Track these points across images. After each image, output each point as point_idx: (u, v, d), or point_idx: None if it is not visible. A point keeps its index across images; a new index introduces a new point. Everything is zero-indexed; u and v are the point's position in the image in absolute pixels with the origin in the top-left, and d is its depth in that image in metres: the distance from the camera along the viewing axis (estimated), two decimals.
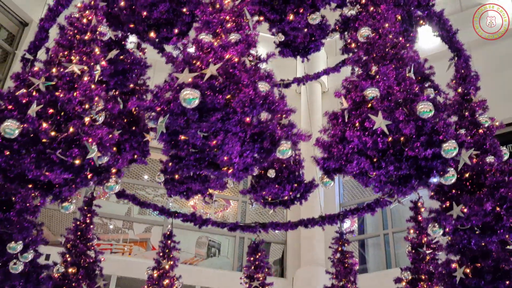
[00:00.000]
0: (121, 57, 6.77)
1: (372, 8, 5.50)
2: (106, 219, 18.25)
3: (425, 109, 4.33)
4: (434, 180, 4.56)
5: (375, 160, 4.47)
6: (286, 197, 8.16)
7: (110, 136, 4.57)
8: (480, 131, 5.82)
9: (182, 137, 4.30)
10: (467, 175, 5.42)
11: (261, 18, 6.53)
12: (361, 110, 4.57)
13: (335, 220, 9.46)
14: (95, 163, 4.47)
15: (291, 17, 6.42)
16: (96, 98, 4.79)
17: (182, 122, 4.09)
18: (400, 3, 6.18)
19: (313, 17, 6.34)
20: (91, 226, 8.32)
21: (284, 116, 4.40)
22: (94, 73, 5.03)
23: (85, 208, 8.43)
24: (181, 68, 4.21)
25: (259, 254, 9.59)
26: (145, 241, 18.57)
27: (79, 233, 8.08)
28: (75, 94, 4.65)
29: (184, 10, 6.37)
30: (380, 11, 5.44)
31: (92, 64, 5.02)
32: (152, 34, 6.56)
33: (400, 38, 5.38)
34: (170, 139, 4.36)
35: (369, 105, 4.56)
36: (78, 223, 8.22)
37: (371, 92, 4.62)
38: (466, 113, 5.99)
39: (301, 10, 6.31)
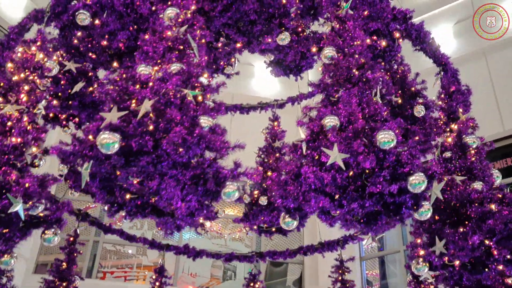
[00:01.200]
0: (90, 88, 6.43)
1: (338, 26, 5.01)
2: (119, 246, 17.92)
3: (385, 139, 3.82)
4: (407, 216, 4.04)
5: (336, 197, 3.96)
6: None
7: (44, 182, 4.17)
8: (471, 152, 5.26)
9: (118, 183, 3.87)
10: (451, 204, 4.86)
11: (239, 45, 6.13)
12: (319, 142, 4.08)
13: (335, 247, 8.93)
14: (31, 214, 4.07)
15: (259, 38, 5.97)
16: (33, 142, 4.41)
17: (109, 168, 3.66)
18: (374, 17, 5.68)
19: (281, 37, 5.87)
20: (73, 267, 7.90)
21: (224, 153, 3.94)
22: (34, 113, 4.65)
23: (68, 246, 8.04)
24: (109, 107, 3.78)
25: (258, 284, 9.10)
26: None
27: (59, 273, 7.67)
28: (8, 138, 4.27)
29: (147, 36, 5.97)
30: (347, 28, 4.94)
31: (31, 104, 4.63)
32: (115, 64, 6.16)
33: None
34: (103, 186, 3.92)
35: (329, 135, 4.07)
36: (59, 263, 7.81)
37: (330, 121, 4.12)
38: (453, 134, 5.44)
39: (271, 31, 5.85)
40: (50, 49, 5.40)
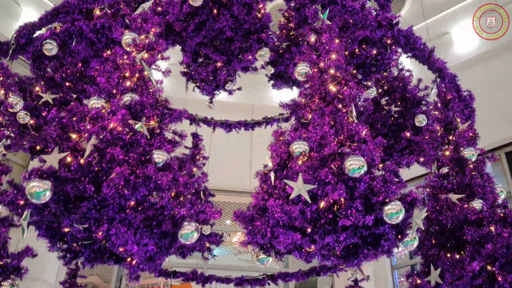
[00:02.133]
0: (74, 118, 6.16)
1: (313, 39, 4.61)
2: None
3: (354, 166, 3.41)
4: (390, 247, 3.62)
5: (307, 232, 3.57)
6: None
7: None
8: (467, 167, 4.79)
9: (66, 229, 3.55)
10: (448, 227, 4.41)
11: (219, 64, 5.78)
12: (287, 171, 3.69)
13: (348, 265, 8.45)
14: None
15: (239, 56, 5.61)
16: None
17: (50, 217, 3.34)
18: (357, 26, 5.26)
19: (261, 53, 5.50)
20: None
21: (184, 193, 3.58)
22: None
23: (68, 281, 7.76)
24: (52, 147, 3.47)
25: None
26: (187, 284, 17.94)
27: None
28: None
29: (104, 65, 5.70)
30: (323, 41, 4.54)
31: None
32: None
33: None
34: (51, 234, 3.61)
35: (300, 162, 3.68)
36: None
37: (298, 147, 3.73)
38: (450, 147, 4.97)
39: (249, 47, 5.49)
40: (12, 82, 5.16)
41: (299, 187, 3.41)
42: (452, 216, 4.35)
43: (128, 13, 4.92)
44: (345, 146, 3.74)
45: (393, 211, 3.34)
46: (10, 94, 4.91)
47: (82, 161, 3.33)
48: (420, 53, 5.35)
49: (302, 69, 4.43)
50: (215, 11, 5.18)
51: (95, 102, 3.91)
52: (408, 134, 6.43)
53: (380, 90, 7.00)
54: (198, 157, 8.79)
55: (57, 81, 5.91)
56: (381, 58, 5.78)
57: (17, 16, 11.89)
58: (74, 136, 3.57)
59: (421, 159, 6.14)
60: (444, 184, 4.70)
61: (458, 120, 5.15)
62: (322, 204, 3.46)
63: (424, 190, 4.87)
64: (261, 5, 5.26)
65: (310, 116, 4.03)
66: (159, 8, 5.24)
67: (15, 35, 5.33)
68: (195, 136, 8.98)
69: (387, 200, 3.38)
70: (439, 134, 5.12)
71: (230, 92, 6.97)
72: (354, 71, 5.98)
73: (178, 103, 7.71)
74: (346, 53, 5.58)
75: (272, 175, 3.76)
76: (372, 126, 6.68)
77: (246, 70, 5.97)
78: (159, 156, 3.61)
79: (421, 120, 6.29)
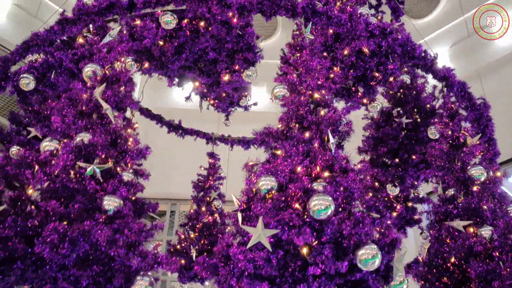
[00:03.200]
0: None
1: (292, 58, 4.19)
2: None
3: (319, 206, 2.98)
4: None
5: (276, 281, 3.15)
6: None
7: None
8: (475, 188, 4.26)
9: None
10: (451, 260, 3.90)
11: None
12: (253, 211, 3.29)
13: None
14: None
15: (226, 77, 5.22)
16: None
17: None
18: (346, 38, 4.81)
19: (247, 73, 5.11)
20: None
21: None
22: None
23: None
24: None
25: None
26: None
27: None
28: None
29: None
30: (304, 60, 4.11)
31: None
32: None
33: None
34: None
35: (264, 201, 3.27)
36: None
37: (265, 184, 3.32)
38: (457, 165, 4.45)
39: (236, 67, 5.10)
40: None
41: (258, 233, 3.00)
42: (455, 247, 3.84)
43: (95, 42, 4.61)
44: (318, 180, 3.32)
45: (368, 257, 2.90)
46: None
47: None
48: (421, 62, 4.84)
49: (278, 92, 4.02)
50: (194, 32, 4.82)
51: (47, 145, 3.62)
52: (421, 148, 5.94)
53: (391, 101, 6.53)
54: (212, 177, 8.47)
55: (44, 115, 5.67)
56: (383, 68, 5.31)
57: None
58: (17, 185, 3.27)
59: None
60: (449, 209, 4.19)
61: (467, 134, 4.61)
62: (290, 249, 3.05)
63: (428, 215, 4.37)
64: (242, 23, 4.86)
65: (281, 147, 3.62)
66: (133, 34, 4.92)
67: None
68: (211, 155, 8.64)
69: (360, 243, 2.93)
70: (445, 151, 4.58)
71: (246, 108, 6.63)
72: (355, 86, 5.54)
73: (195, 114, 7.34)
74: (337, 69, 5.14)
75: (239, 215, 3.36)
76: (382, 141, 6.21)
77: (236, 91, 5.58)
78: (109, 203, 3.27)
79: (434, 132, 5.76)
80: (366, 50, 4.87)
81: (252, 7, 4.44)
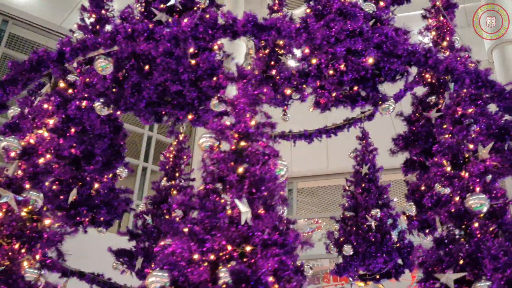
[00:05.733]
0: None
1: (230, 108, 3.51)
2: None
3: None
4: None
5: None
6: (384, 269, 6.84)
7: None
8: (475, 225, 3.31)
9: None
10: None
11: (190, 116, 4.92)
12: None
13: None
14: None
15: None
16: None
17: None
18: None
19: (214, 103, 4.47)
20: None
21: None
22: None
23: None
24: None
25: None
26: None
27: None
28: None
29: None
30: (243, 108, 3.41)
31: None
32: None
33: None
34: None
35: None
36: None
37: None
38: (454, 195, 3.49)
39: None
40: None
41: None
42: None
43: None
44: None
45: None
46: None
47: None
48: (413, 58, 3.88)
49: (204, 142, 3.37)
50: (142, 69, 4.29)
51: None
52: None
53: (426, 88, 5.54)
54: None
55: None
56: (384, 64, 4.38)
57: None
58: None
59: None
60: (441, 256, 3.30)
61: (482, 148, 3.60)
62: None
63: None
64: (191, 49, 4.21)
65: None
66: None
67: None
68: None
69: None
70: (447, 170, 3.64)
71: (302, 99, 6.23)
72: (356, 87, 4.67)
73: None
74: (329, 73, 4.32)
75: None
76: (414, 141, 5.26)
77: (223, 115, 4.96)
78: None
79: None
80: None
81: (185, 35, 3.81)
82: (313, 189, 14.69)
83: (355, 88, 4.57)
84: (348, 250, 6.74)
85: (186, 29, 3.77)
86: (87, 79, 4.55)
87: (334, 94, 4.61)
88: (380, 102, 4.70)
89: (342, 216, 7.15)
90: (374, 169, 7.09)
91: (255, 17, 3.75)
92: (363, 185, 7.14)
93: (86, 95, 4.77)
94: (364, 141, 7.48)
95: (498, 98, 4.11)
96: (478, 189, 3.37)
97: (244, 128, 3.26)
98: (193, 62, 4.24)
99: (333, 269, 7.19)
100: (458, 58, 4.00)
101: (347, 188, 7.36)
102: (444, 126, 4.10)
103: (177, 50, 4.03)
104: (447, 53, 5.28)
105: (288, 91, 5.64)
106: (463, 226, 3.35)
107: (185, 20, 3.91)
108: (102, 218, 6.08)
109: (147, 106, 4.61)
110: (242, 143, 3.20)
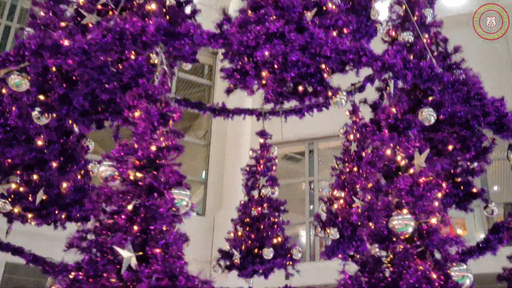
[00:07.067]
0: None
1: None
2: None
3: None
4: None
5: None
6: None
7: None
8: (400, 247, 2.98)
9: None
10: None
11: None
12: None
13: None
14: None
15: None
16: None
17: None
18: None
19: (136, 114, 4.19)
20: None
21: None
22: None
23: None
24: None
25: None
26: None
27: None
28: None
29: None
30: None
31: None
32: None
33: None
34: None
35: None
36: None
37: None
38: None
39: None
40: None
41: None
42: None
43: None
44: None
45: None
46: None
47: None
48: (344, 57, 3.49)
49: (103, 172, 3.13)
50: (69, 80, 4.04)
51: None
52: None
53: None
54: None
55: None
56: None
57: None
58: None
59: None
60: (362, 284, 3.01)
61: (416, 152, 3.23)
62: None
63: None
64: (110, 58, 3.90)
65: None
66: None
67: None
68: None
69: None
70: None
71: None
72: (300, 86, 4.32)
73: None
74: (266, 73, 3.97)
75: None
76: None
77: None
78: None
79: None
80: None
81: (92, 49, 3.53)
82: (333, 149, 14.42)
83: (300, 86, 4.23)
84: (334, 233, 6.48)
85: (92, 41, 3.48)
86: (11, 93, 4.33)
87: (279, 91, 4.29)
88: (331, 96, 4.34)
89: (329, 196, 6.85)
90: (362, 148, 6.73)
91: (166, 24, 3.42)
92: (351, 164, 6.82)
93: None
94: (354, 116, 7.11)
95: (450, 90, 3.71)
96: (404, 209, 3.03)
97: (143, 156, 3.01)
98: (113, 69, 3.96)
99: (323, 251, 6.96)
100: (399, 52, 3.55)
101: (336, 166, 7.04)
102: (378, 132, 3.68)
103: (95, 61, 3.75)
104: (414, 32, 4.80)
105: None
106: (387, 249, 3.04)
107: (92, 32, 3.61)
108: (78, 215, 6.00)
109: (82, 115, 4.39)
110: (138, 174, 2.94)
